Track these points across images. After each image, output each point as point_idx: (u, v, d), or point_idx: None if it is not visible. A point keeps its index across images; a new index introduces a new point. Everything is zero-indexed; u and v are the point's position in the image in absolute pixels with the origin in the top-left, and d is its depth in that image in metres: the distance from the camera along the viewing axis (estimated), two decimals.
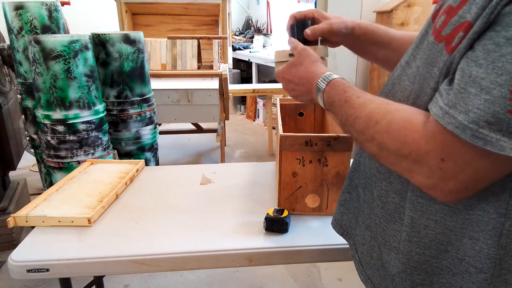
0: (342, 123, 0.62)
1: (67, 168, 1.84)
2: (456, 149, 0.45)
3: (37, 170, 2.71)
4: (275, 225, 0.98)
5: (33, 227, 1.03)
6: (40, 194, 1.19)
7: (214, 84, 2.97)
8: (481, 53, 0.43)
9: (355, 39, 0.83)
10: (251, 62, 5.30)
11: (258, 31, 6.11)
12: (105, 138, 1.96)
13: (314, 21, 0.83)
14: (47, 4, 2.00)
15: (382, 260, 0.64)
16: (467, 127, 0.43)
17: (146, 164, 1.73)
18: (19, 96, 2.27)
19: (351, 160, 1.01)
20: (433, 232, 0.54)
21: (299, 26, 0.82)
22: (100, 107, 1.91)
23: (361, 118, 0.56)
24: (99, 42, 2.04)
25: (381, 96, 0.64)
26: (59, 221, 1.02)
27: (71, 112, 1.79)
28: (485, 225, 0.50)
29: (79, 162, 1.82)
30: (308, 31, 0.81)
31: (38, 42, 1.68)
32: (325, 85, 0.66)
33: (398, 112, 0.52)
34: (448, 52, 0.47)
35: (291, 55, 0.79)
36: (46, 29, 2.02)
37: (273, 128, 3.85)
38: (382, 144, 0.52)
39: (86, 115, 1.83)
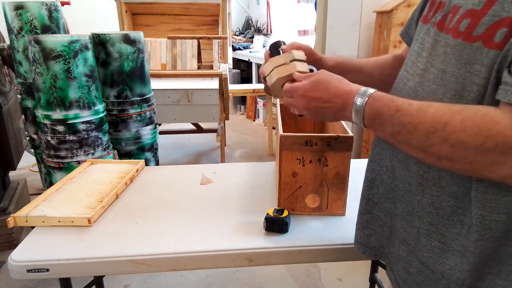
0: (395, 133, 0.58)
1: (67, 168, 1.84)
2: None
3: (37, 170, 2.71)
4: (275, 225, 0.98)
5: (33, 227, 1.03)
6: (40, 194, 1.19)
7: (214, 84, 2.97)
8: None
9: (329, 69, 0.79)
10: (251, 62, 5.29)
11: (258, 31, 6.11)
12: (105, 138, 1.96)
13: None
14: (47, 4, 2.00)
15: (434, 271, 0.63)
16: None
17: (146, 164, 1.73)
18: (19, 96, 2.27)
19: (351, 161, 1.01)
20: (505, 224, 0.55)
21: (275, 47, 0.82)
22: (100, 107, 1.91)
23: (424, 123, 0.54)
24: (99, 42, 2.04)
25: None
26: (59, 221, 1.02)
27: (71, 112, 1.79)
28: None
29: (79, 162, 1.82)
30: (285, 46, 0.81)
31: (38, 42, 1.68)
32: (365, 99, 0.62)
33: (465, 111, 0.52)
34: (492, 48, 0.51)
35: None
36: (46, 29, 2.02)
37: (273, 128, 3.85)
38: (459, 143, 0.51)
39: (86, 115, 1.83)
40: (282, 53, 0.80)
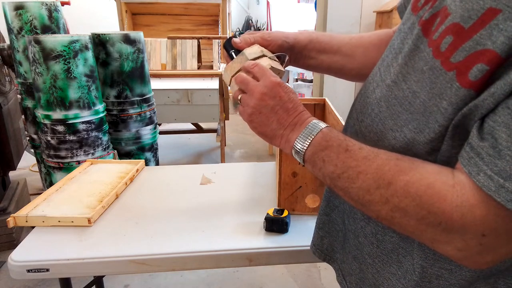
0: (335, 175, 0.50)
1: (67, 168, 1.84)
2: (504, 225, 0.39)
3: (37, 170, 2.71)
4: (275, 225, 0.98)
5: (33, 227, 1.03)
6: (40, 194, 1.19)
7: (214, 84, 2.97)
8: None
9: (301, 49, 0.72)
10: None
11: (258, 31, 6.11)
12: (105, 138, 1.96)
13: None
14: (47, 4, 2.00)
15: None
16: None
17: (146, 164, 1.73)
18: (19, 96, 2.27)
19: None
20: (447, 283, 0.49)
21: (230, 46, 0.69)
22: (100, 107, 1.91)
23: (368, 174, 0.46)
24: (99, 42, 2.04)
25: (365, 120, 0.55)
26: (59, 221, 1.02)
27: (71, 112, 1.79)
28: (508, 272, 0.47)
29: (79, 162, 1.82)
30: (237, 40, 0.68)
31: (38, 42, 1.68)
32: (321, 124, 0.54)
33: (413, 171, 0.44)
34: (463, 86, 0.40)
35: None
36: (46, 29, 2.02)
37: None
38: (399, 210, 0.44)
39: (86, 115, 1.83)
40: (238, 51, 0.66)
